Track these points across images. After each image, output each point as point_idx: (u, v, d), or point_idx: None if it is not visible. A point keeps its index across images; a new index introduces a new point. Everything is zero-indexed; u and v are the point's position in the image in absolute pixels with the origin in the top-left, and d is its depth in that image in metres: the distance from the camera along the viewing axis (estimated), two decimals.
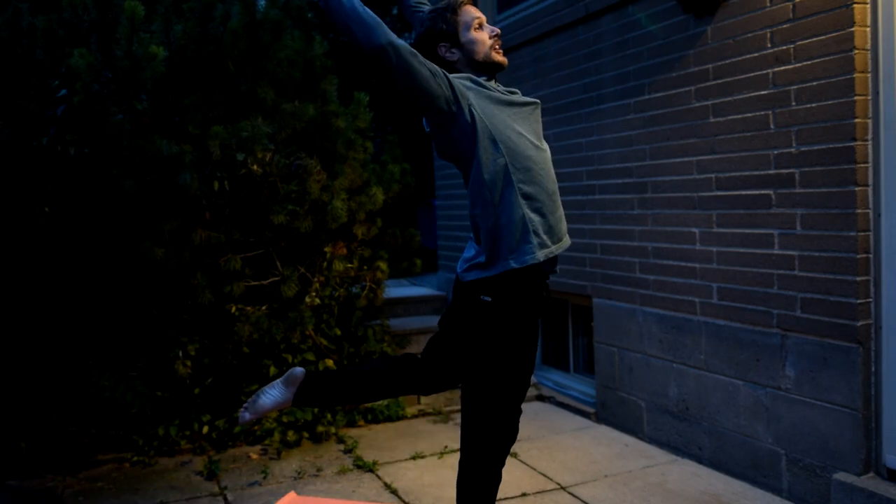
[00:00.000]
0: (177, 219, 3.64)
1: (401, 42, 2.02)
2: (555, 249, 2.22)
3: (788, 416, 3.08)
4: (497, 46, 2.28)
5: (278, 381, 2.37)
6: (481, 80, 2.22)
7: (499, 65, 2.28)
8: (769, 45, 3.09)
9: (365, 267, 4.28)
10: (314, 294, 3.95)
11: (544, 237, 2.19)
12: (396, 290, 5.82)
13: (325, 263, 4.00)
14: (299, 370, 2.35)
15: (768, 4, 3.09)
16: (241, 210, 3.85)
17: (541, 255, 2.16)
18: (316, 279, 3.99)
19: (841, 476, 2.86)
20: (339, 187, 3.85)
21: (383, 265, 4.32)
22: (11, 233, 3.73)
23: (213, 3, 3.83)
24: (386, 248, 4.48)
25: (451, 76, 2.12)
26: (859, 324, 2.80)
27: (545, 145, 2.30)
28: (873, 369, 2.83)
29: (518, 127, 2.20)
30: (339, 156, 3.95)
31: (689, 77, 3.50)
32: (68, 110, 3.78)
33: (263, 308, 3.83)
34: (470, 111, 2.12)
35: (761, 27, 3.12)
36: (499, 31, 2.30)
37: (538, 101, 2.34)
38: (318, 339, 4.14)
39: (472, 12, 2.27)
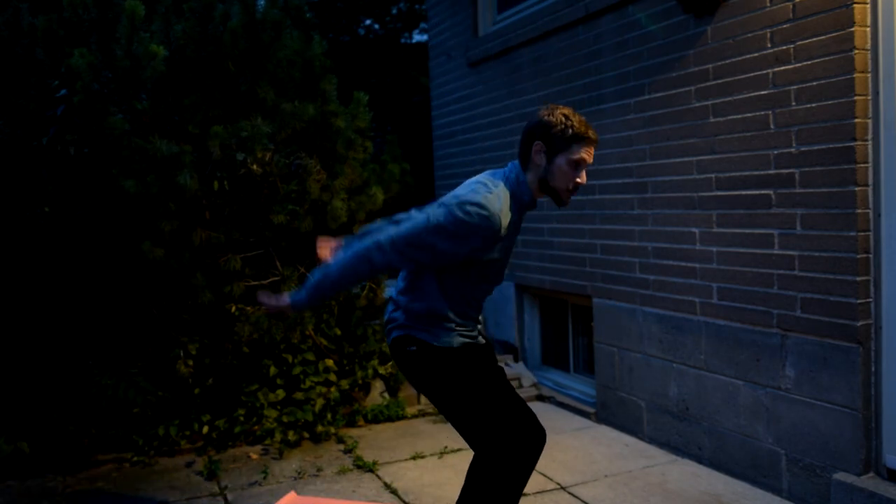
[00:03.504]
0: (177, 219, 3.63)
1: (377, 247, 2.19)
2: (474, 338, 2.39)
3: (788, 416, 3.08)
4: (573, 191, 2.28)
5: None
6: (525, 199, 2.27)
7: (556, 202, 2.30)
8: (769, 45, 3.09)
9: None
10: None
11: (465, 332, 2.35)
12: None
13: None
14: None
15: (768, 4, 3.09)
16: (241, 210, 3.85)
17: (458, 342, 2.32)
18: None
19: (841, 476, 2.86)
20: (339, 187, 3.85)
21: None
22: (11, 233, 3.73)
23: (213, 3, 3.83)
24: None
25: (507, 178, 2.25)
26: (859, 324, 2.80)
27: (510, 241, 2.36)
28: (873, 369, 2.83)
29: (493, 256, 2.28)
30: (339, 156, 3.95)
31: (689, 77, 3.50)
32: (68, 110, 3.78)
33: (263, 308, 3.83)
34: (485, 249, 2.23)
35: (761, 27, 3.12)
36: (584, 182, 2.28)
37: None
38: (318, 339, 4.14)
39: (584, 153, 2.23)
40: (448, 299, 2.29)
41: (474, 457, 2.32)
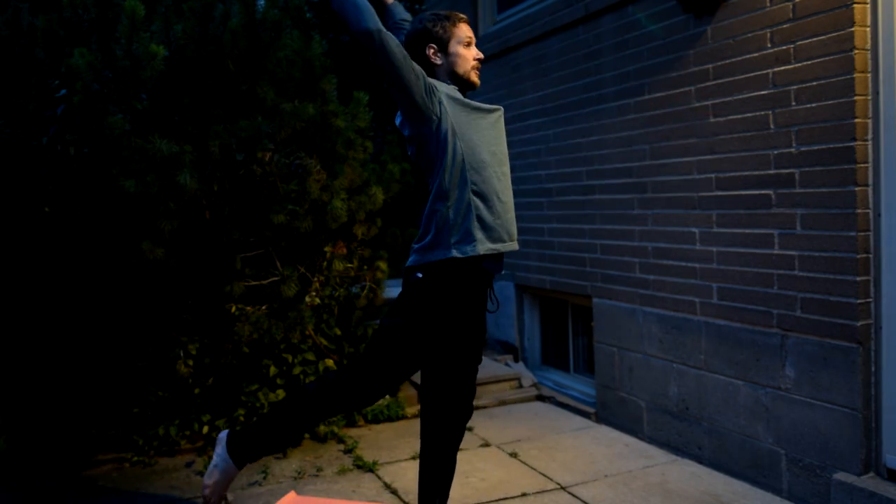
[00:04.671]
0: (177, 219, 3.63)
1: (388, 32, 2.21)
2: (499, 248, 2.41)
3: (788, 416, 3.08)
4: (477, 68, 2.51)
5: (214, 452, 2.59)
6: (453, 87, 2.45)
7: (472, 84, 2.51)
8: (769, 45, 3.09)
9: (365, 267, 4.28)
10: (314, 294, 3.95)
11: (490, 234, 2.39)
12: (396, 290, 5.79)
13: (325, 263, 4.00)
14: (223, 433, 2.59)
15: (768, 4, 3.09)
16: (240, 210, 3.85)
17: (482, 248, 2.36)
18: (316, 279, 3.98)
19: (841, 476, 2.86)
20: (339, 187, 3.85)
21: (383, 265, 4.32)
22: (11, 233, 3.73)
23: (213, 3, 3.83)
24: (386, 248, 4.48)
25: (428, 77, 2.34)
26: (859, 324, 2.80)
27: (505, 153, 2.51)
28: (873, 369, 2.83)
29: (480, 131, 2.41)
30: (339, 155, 3.95)
31: (689, 77, 3.50)
32: (68, 110, 3.78)
33: (263, 308, 3.83)
34: (440, 109, 2.33)
35: (761, 27, 3.12)
36: (482, 56, 2.53)
37: (501, 108, 2.54)
38: (318, 339, 4.14)
39: (468, 31, 2.51)
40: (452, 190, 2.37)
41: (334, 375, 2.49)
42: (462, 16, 2.52)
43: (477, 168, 2.37)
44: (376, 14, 2.21)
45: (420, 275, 2.37)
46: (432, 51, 2.46)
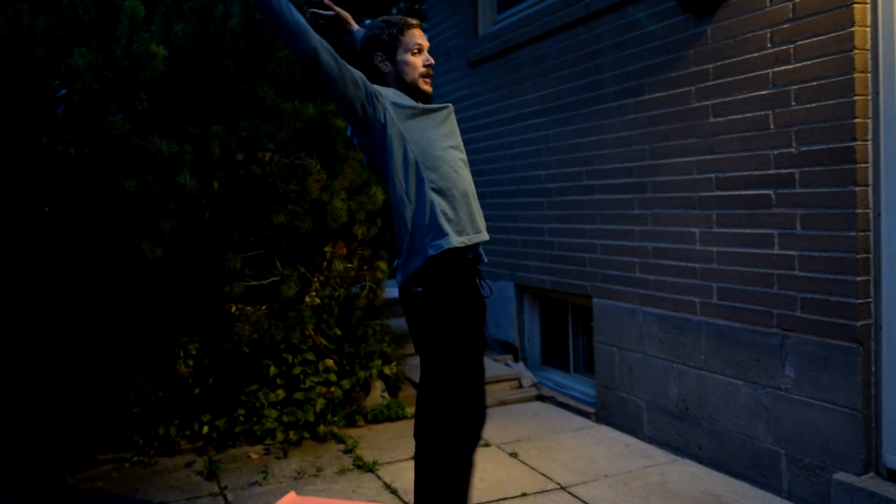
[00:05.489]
0: (177, 219, 3.63)
1: (324, 47, 2.18)
2: (467, 241, 2.37)
3: (788, 416, 3.08)
4: (427, 76, 2.44)
5: None
6: (413, 103, 2.40)
7: (422, 93, 2.44)
8: (769, 45, 3.09)
9: (365, 267, 4.28)
10: (314, 294, 3.95)
11: (456, 227, 2.35)
12: (396, 290, 5.81)
13: (325, 263, 4.00)
14: None
15: (768, 4, 3.09)
16: (240, 210, 3.85)
17: (456, 241, 2.32)
18: (316, 279, 3.98)
19: (841, 476, 2.86)
20: (339, 187, 3.85)
21: (383, 265, 4.32)
22: (11, 233, 3.73)
23: (213, 3, 3.83)
24: (386, 247, 4.48)
25: (373, 85, 2.31)
26: (859, 324, 2.80)
27: (460, 146, 2.48)
28: (873, 369, 2.83)
29: (430, 130, 2.38)
30: (339, 155, 3.95)
31: (689, 77, 3.50)
32: (68, 110, 3.78)
33: (263, 308, 3.83)
34: (385, 115, 2.30)
35: (761, 27, 3.12)
36: (433, 62, 2.46)
37: (450, 104, 2.51)
38: (318, 339, 4.14)
39: (416, 37, 2.43)
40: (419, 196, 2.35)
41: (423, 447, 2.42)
42: (413, 21, 2.45)
43: (432, 166, 2.34)
44: (310, 28, 2.19)
45: (420, 288, 2.34)
46: (380, 58, 2.43)
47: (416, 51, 2.41)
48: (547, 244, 4.69)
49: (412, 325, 2.43)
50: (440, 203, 2.33)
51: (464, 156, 2.49)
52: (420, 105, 2.40)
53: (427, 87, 2.45)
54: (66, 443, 3.77)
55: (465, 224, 2.37)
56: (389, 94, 2.36)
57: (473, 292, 2.41)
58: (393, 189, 2.35)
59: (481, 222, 2.45)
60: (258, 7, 2.17)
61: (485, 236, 2.44)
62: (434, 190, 2.33)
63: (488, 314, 5.50)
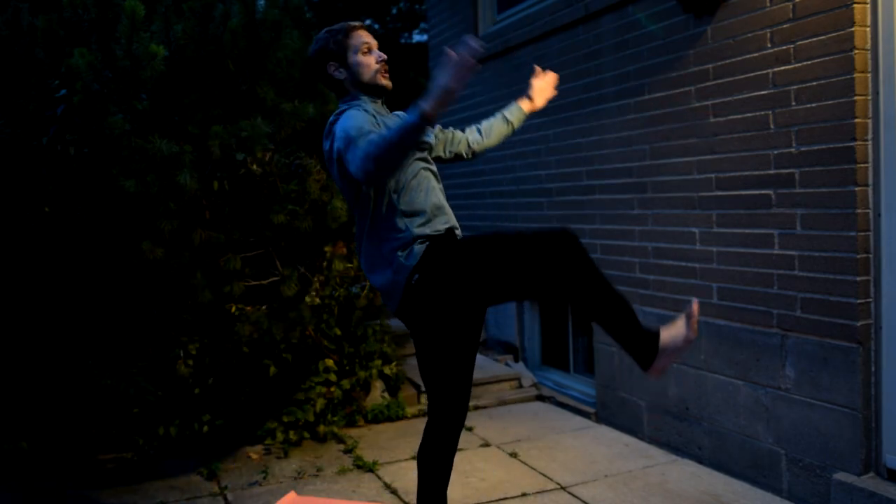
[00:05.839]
0: (177, 219, 3.63)
1: (387, 138, 2.03)
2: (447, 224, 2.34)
3: (788, 416, 3.08)
4: (384, 71, 2.39)
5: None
6: (367, 101, 2.37)
7: (383, 88, 2.40)
8: (769, 45, 3.09)
9: None
10: (314, 294, 3.95)
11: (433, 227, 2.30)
12: None
13: (325, 263, 4.00)
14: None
15: (768, 4, 3.09)
16: (241, 210, 3.85)
17: (429, 230, 2.27)
18: (316, 279, 3.98)
19: (841, 476, 2.86)
20: None
21: None
22: (11, 233, 3.73)
23: (213, 3, 3.83)
24: None
25: (349, 103, 2.31)
26: (859, 324, 2.80)
27: (428, 158, 2.42)
28: (873, 369, 2.83)
29: None
30: None
31: (689, 77, 3.50)
32: (68, 110, 3.78)
33: (263, 308, 3.83)
34: None
35: (761, 27, 3.12)
36: (386, 57, 2.41)
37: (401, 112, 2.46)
38: (318, 339, 4.14)
39: (362, 37, 2.39)
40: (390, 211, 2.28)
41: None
42: (354, 24, 2.42)
43: (402, 188, 2.28)
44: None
45: (417, 275, 2.25)
46: (333, 67, 2.39)
47: (365, 50, 2.38)
48: None
49: (417, 313, 2.37)
50: (415, 228, 2.27)
51: (432, 165, 2.42)
52: (389, 117, 2.35)
53: (386, 82, 2.40)
54: (66, 443, 3.77)
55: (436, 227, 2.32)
56: (367, 109, 2.29)
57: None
58: (364, 218, 2.30)
59: (454, 222, 2.41)
60: (379, 157, 2.04)
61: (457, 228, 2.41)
62: (405, 215, 2.27)
63: (489, 314, 5.53)
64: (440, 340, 2.36)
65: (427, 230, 2.27)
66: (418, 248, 2.25)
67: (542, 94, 2.75)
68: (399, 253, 2.27)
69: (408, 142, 2.01)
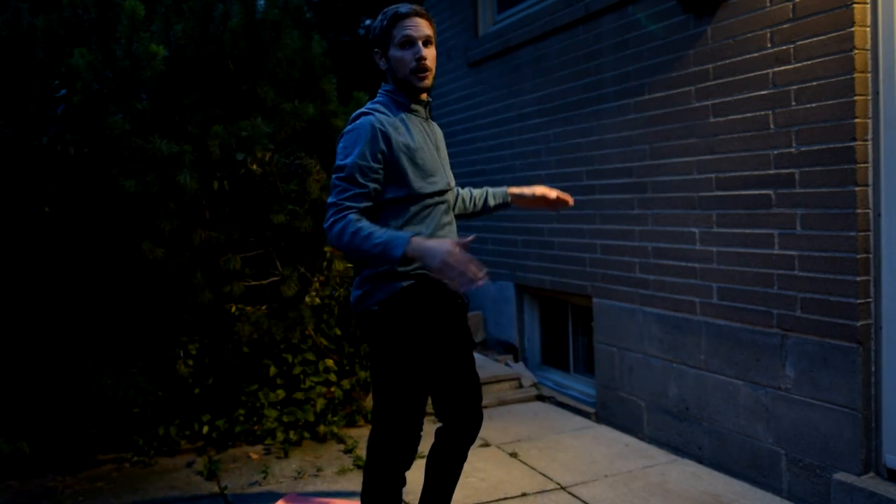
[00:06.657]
0: (177, 219, 3.63)
1: (371, 243, 2.01)
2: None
3: (788, 416, 3.08)
4: (421, 70, 2.18)
5: None
6: (401, 112, 2.22)
7: (417, 89, 2.21)
8: (769, 45, 3.09)
9: None
10: (314, 294, 3.95)
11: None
12: None
13: (324, 263, 4.00)
14: None
15: (768, 4, 3.09)
16: (240, 210, 3.85)
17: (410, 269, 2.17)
18: (316, 279, 3.98)
19: (841, 476, 2.86)
20: None
21: None
22: (11, 233, 3.73)
23: (213, 3, 3.83)
24: None
25: (375, 136, 2.12)
26: (859, 324, 2.80)
27: (448, 173, 2.33)
28: (873, 369, 2.83)
29: (420, 167, 2.19)
30: None
31: (689, 77, 3.50)
32: (68, 110, 3.78)
33: (263, 308, 3.83)
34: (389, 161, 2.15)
35: (761, 27, 3.12)
36: (423, 54, 2.18)
37: (441, 132, 2.39)
38: (317, 339, 4.14)
39: (406, 28, 2.16)
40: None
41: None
42: (403, 10, 2.17)
43: (416, 214, 2.21)
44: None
45: (375, 307, 2.20)
46: (378, 55, 2.24)
47: (402, 43, 2.16)
48: (547, 244, 4.69)
49: (372, 347, 2.35)
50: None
51: (445, 186, 2.28)
52: (416, 141, 2.20)
53: (419, 83, 2.19)
54: (66, 442, 3.77)
55: None
56: (389, 132, 2.15)
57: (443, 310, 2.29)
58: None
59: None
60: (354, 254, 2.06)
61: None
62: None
63: (489, 314, 5.53)
64: (409, 358, 2.28)
65: (408, 268, 2.17)
66: (393, 286, 2.18)
67: (537, 190, 2.67)
68: (370, 283, 2.21)
69: (374, 262, 2.03)
